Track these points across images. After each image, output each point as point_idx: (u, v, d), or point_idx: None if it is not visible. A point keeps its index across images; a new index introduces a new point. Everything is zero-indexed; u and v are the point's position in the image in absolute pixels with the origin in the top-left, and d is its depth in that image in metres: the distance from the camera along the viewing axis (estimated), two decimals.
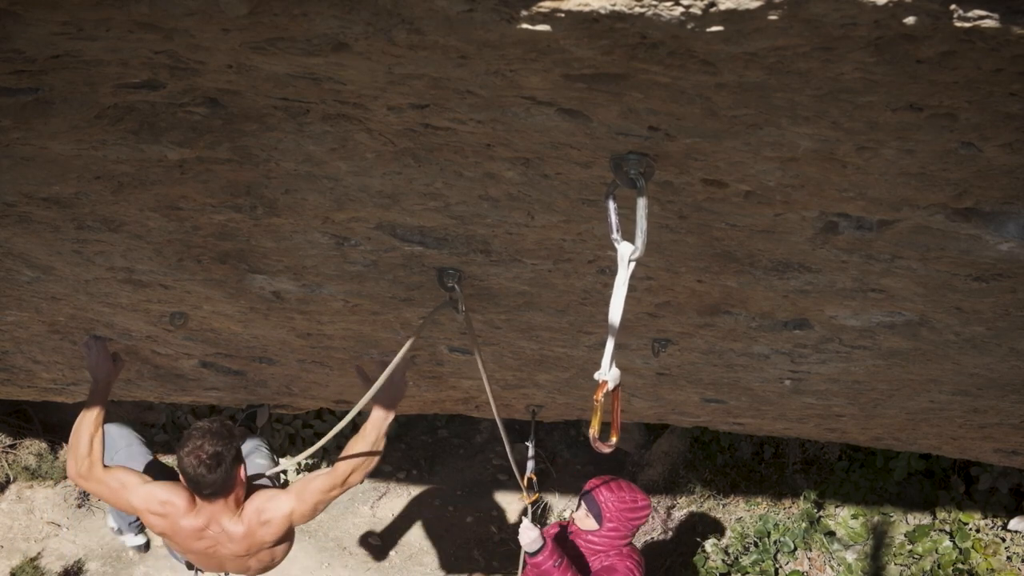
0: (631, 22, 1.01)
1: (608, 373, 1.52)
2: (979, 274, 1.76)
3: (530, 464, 4.00)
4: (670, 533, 6.32)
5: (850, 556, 5.71)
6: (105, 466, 3.13)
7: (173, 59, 1.30)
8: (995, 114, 1.15)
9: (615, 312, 1.44)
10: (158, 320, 2.89)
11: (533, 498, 3.84)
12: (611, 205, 1.42)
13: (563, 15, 1.01)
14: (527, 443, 4.12)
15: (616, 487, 3.76)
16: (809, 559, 5.84)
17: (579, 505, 3.83)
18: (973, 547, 5.31)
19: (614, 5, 0.99)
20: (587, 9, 1.00)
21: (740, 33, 1.01)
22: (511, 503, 6.96)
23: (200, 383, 3.80)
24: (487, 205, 1.77)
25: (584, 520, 3.77)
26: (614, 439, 1.61)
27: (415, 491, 7.00)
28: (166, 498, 3.06)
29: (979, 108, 1.13)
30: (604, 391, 1.53)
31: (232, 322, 2.85)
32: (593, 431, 1.54)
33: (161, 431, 7.32)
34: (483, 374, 2.54)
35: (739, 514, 6.28)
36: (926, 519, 5.69)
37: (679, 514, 6.42)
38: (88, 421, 3.12)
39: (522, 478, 3.79)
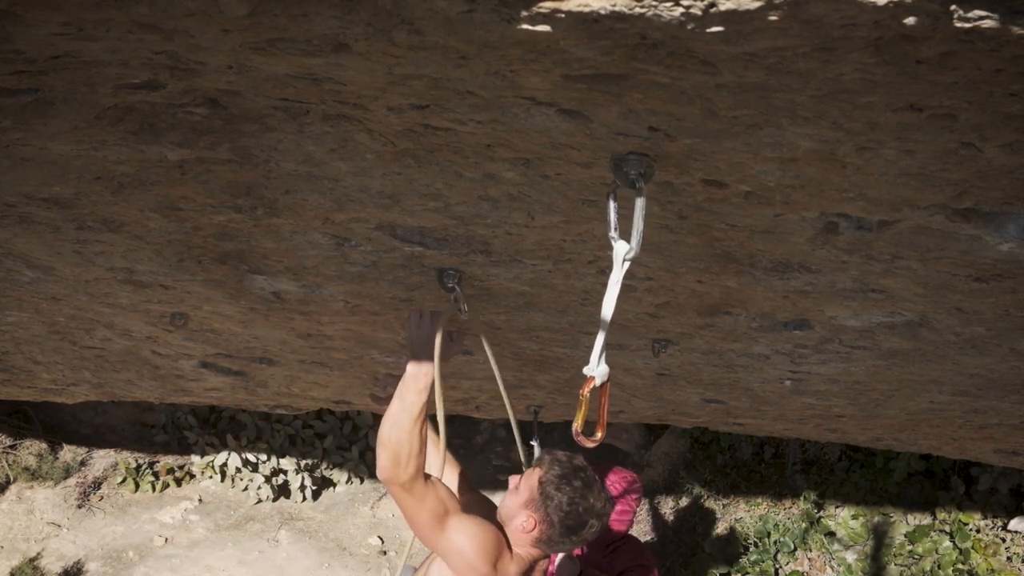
0: (631, 23, 1.01)
1: (596, 369, 1.52)
2: (979, 274, 1.76)
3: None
4: (670, 533, 6.31)
5: (850, 556, 5.71)
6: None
7: (173, 59, 1.30)
8: (995, 114, 1.15)
9: (607, 309, 1.45)
10: (158, 320, 2.89)
11: None
12: (611, 204, 1.43)
13: (563, 15, 1.01)
14: (532, 442, 4.15)
15: (610, 469, 4.01)
16: (809, 559, 5.83)
17: None
18: (973, 547, 5.31)
19: (614, 5, 0.99)
20: (587, 10, 1.00)
21: (740, 34, 1.01)
22: None
23: (200, 383, 3.80)
24: (487, 205, 1.77)
25: None
26: (599, 435, 1.63)
27: None
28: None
29: (979, 108, 1.13)
30: (591, 386, 1.53)
31: (232, 322, 2.85)
32: (576, 425, 1.55)
33: (161, 431, 7.32)
34: (497, 374, 2.51)
35: (739, 514, 6.28)
36: (926, 519, 5.68)
37: (679, 514, 6.42)
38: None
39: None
